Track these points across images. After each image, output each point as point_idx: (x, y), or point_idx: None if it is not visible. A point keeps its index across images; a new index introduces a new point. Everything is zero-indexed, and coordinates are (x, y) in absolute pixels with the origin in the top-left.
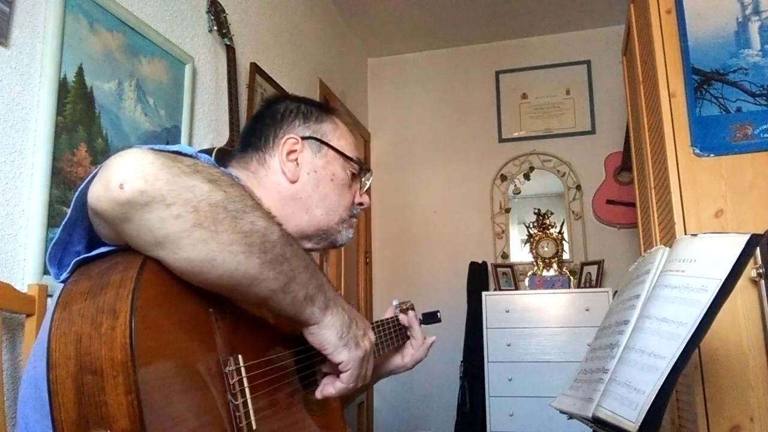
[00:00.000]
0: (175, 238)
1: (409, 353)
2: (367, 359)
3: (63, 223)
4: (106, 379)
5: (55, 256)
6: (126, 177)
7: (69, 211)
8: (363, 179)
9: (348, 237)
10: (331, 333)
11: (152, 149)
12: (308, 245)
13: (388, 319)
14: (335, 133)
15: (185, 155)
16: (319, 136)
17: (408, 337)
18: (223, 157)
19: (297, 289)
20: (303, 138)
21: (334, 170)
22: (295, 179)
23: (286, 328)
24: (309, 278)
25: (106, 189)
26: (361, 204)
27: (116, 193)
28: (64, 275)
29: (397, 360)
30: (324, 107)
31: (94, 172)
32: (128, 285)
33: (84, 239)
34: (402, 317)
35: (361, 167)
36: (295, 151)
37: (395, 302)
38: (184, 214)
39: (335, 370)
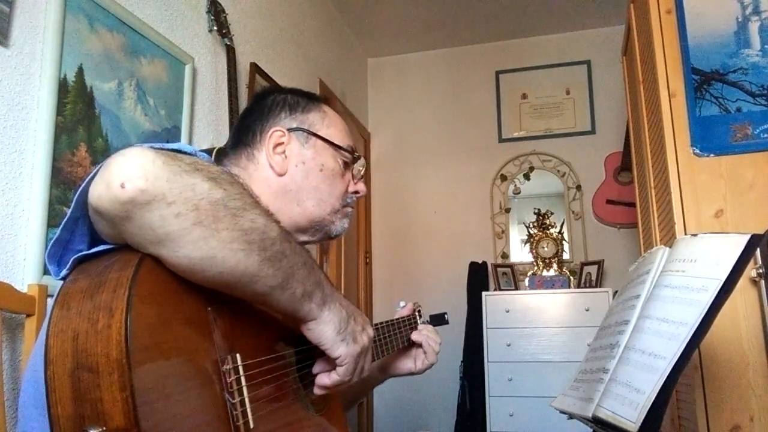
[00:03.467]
0: (176, 236)
1: (420, 359)
2: (364, 354)
3: (64, 221)
4: (101, 377)
5: (55, 254)
6: (127, 176)
7: (70, 209)
8: (356, 167)
9: (343, 227)
10: (329, 328)
11: (152, 147)
12: (303, 238)
13: (396, 319)
14: (323, 122)
15: (185, 153)
16: (306, 127)
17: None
18: (219, 156)
19: (295, 285)
20: (289, 130)
21: (324, 160)
22: (283, 172)
23: (287, 326)
24: (307, 275)
25: (108, 188)
26: (356, 192)
27: (117, 192)
28: (63, 272)
29: (409, 364)
30: (312, 96)
31: (95, 170)
32: (125, 283)
33: (86, 238)
34: (416, 336)
35: (352, 155)
36: (282, 143)
37: (402, 303)
38: (185, 212)
39: (330, 365)
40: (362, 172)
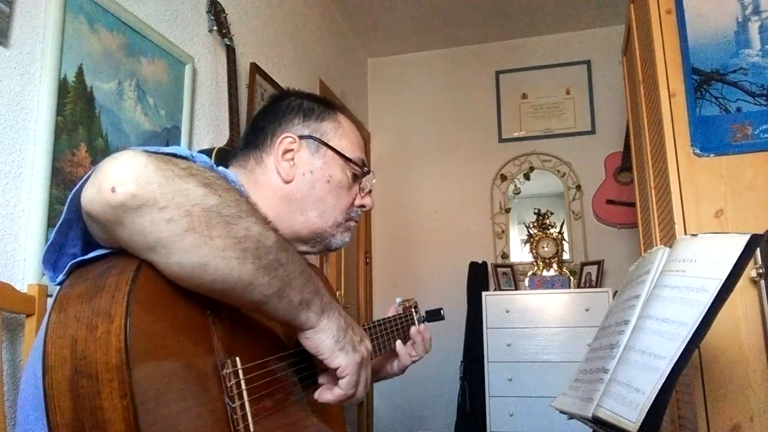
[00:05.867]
0: (167, 242)
1: (398, 361)
2: (365, 365)
3: (58, 225)
4: (101, 383)
5: (50, 259)
6: (118, 180)
7: (63, 213)
8: (364, 181)
9: (344, 241)
10: (327, 337)
11: (146, 151)
12: (303, 248)
13: (389, 317)
14: (336, 132)
15: (181, 157)
16: (318, 136)
17: (407, 337)
18: (224, 156)
19: (292, 294)
20: (301, 137)
21: (332, 172)
22: (290, 179)
23: (286, 329)
24: (304, 283)
25: (99, 192)
26: (363, 206)
27: (108, 196)
28: (60, 277)
29: (387, 368)
30: (328, 104)
31: (88, 173)
32: (123, 288)
33: (80, 241)
34: (413, 331)
35: (362, 169)
36: (291, 150)
37: (398, 300)
38: (177, 218)
39: (333, 379)
40: (371, 186)
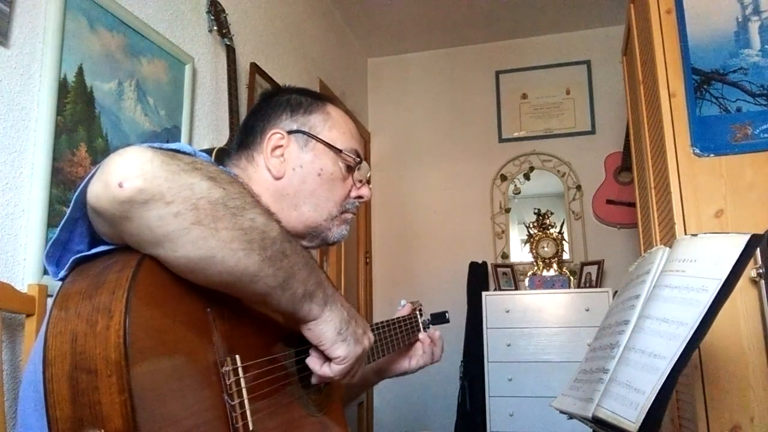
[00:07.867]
0: (175, 236)
1: (416, 357)
2: (363, 358)
3: (63, 222)
4: (100, 379)
5: (54, 255)
6: (125, 175)
7: (69, 210)
8: (359, 171)
9: (341, 234)
10: (329, 328)
11: (151, 147)
12: (301, 243)
13: (395, 319)
14: (325, 124)
15: (184, 153)
16: (306, 129)
17: (416, 338)
18: (223, 156)
19: (296, 285)
20: (289, 132)
21: (323, 164)
22: (281, 175)
23: (287, 327)
24: (308, 275)
25: (106, 187)
26: (359, 197)
27: (116, 191)
28: (62, 273)
29: (404, 364)
30: (317, 96)
31: (94, 170)
32: (124, 284)
33: (86, 238)
34: (422, 336)
35: (354, 159)
36: (280, 146)
37: (403, 302)
38: (184, 211)
39: (324, 359)
40: (367, 176)
